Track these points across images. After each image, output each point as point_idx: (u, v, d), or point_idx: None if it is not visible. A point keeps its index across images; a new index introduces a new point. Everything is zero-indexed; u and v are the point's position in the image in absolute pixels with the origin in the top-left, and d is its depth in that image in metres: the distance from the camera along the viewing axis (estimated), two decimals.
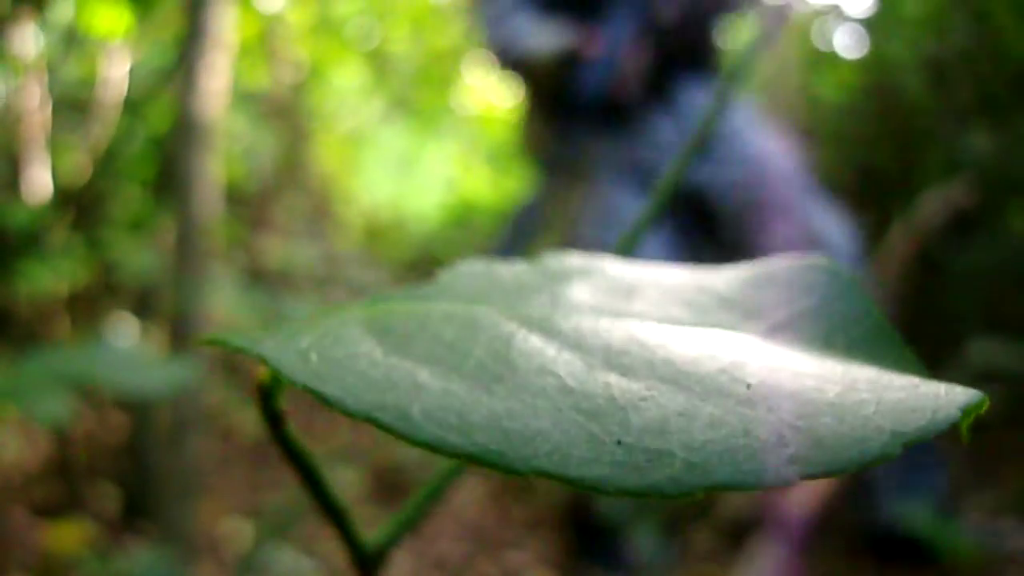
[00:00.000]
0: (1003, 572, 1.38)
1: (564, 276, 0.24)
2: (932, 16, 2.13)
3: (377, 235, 3.31)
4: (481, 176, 3.52)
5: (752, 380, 0.17)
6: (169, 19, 1.65)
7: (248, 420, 2.05)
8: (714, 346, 0.19)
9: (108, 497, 1.52)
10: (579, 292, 0.23)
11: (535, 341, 0.18)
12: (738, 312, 0.21)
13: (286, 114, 2.72)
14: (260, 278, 2.32)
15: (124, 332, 1.43)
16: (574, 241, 1.42)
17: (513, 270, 0.24)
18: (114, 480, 1.54)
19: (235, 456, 1.91)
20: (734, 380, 0.17)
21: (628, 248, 0.40)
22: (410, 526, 0.27)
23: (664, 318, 0.21)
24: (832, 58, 2.45)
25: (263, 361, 0.17)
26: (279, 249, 2.51)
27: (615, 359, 0.18)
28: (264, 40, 2.58)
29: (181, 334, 1.27)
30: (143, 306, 1.64)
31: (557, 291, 0.23)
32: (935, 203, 1.73)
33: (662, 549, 1.39)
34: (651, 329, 0.20)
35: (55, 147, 1.56)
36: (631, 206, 1.39)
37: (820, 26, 2.46)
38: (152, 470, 1.38)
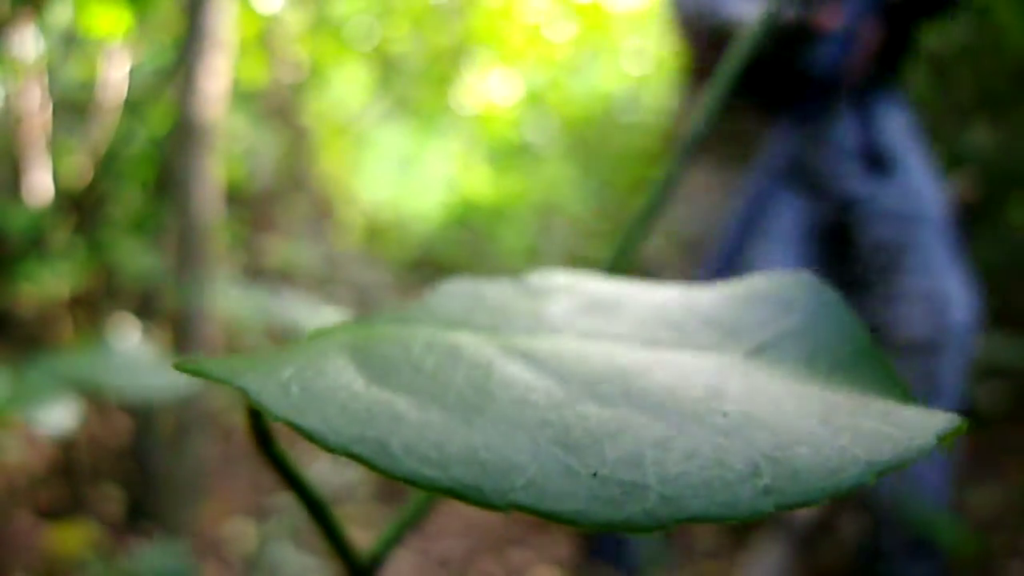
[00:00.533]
0: (1005, 568, 1.38)
1: (548, 294, 0.24)
2: None
3: (378, 235, 3.31)
4: (481, 176, 3.52)
5: (729, 408, 0.17)
6: (169, 20, 1.65)
7: None
8: (693, 372, 0.19)
9: (112, 499, 1.52)
10: (562, 312, 0.23)
11: (515, 369, 0.19)
12: (721, 332, 0.21)
13: (286, 114, 2.72)
14: (261, 278, 2.32)
15: (127, 335, 1.43)
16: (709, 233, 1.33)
17: (498, 289, 0.25)
18: (118, 482, 1.54)
19: (238, 457, 1.91)
20: (711, 409, 0.17)
21: (630, 247, 0.40)
22: (401, 535, 0.27)
23: (646, 339, 0.21)
24: None
25: (243, 393, 0.17)
26: (280, 249, 2.51)
27: (593, 387, 0.18)
28: (264, 40, 2.58)
29: (183, 335, 1.27)
30: (145, 307, 1.64)
31: (540, 311, 0.23)
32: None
33: (664, 548, 1.39)
34: (631, 354, 0.20)
35: (56, 149, 1.56)
36: (787, 212, 1.27)
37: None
38: (155, 472, 1.38)
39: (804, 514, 1.34)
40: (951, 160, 1.92)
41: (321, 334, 0.21)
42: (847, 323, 0.21)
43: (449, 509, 1.75)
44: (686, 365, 0.19)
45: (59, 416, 0.68)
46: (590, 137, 3.14)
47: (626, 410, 0.17)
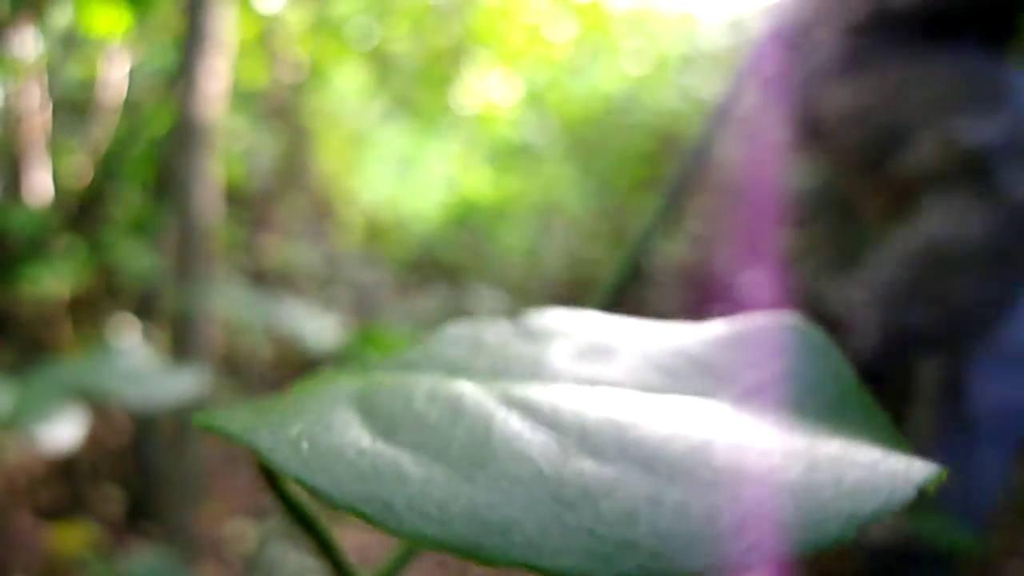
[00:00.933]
0: (1004, 568, 1.38)
1: (545, 337, 0.25)
2: None
3: (378, 235, 3.31)
4: (481, 176, 3.52)
5: (719, 461, 0.18)
6: (168, 20, 1.65)
7: None
8: (685, 422, 0.19)
9: (112, 499, 1.52)
10: (559, 357, 0.24)
11: (514, 422, 0.19)
12: (711, 377, 0.22)
13: (286, 114, 2.72)
14: (261, 278, 2.32)
15: (129, 338, 1.43)
16: None
17: (497, 332, 0.26)
18: (118, 482, 1.54)
19: (238, 457, 1.91)
20: (701, 462, 0.18)
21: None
22: (405, 562, 0.27)
23: (640, 385, 0.22)
24: None
25: (255, 451, 0.18)
26: (280, 249, 2.51)
27: (589, 440, 0.19)
28: (264, 40, 2.58)
29: (183, 336, 1.27)
30: (145, 308, 1.64)
31: (538, 356, 0.24)
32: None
33: None
34: (626, 403, 0.21)
35: (56, 149, 1.56)
36: None
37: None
38: (156, 472, 1.38)
39: None
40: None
41: (328, 380, 0.22)
42: (834, 365, 0.22)
43: None
44: (679, 414, 0.20)
45: (64, 430, 0.67)
46: (590, 137, 3.14)
47: (620, 464, 0.18)
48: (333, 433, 0.19)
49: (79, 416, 0.68)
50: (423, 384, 0.21)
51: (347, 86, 3.25)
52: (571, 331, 0.26)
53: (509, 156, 3.38)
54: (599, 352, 0.24)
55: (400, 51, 3.19)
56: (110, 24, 1.47)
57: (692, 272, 2.27)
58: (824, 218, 2.07)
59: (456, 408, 0.20)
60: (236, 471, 1.84)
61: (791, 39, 1.23)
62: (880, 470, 0.17)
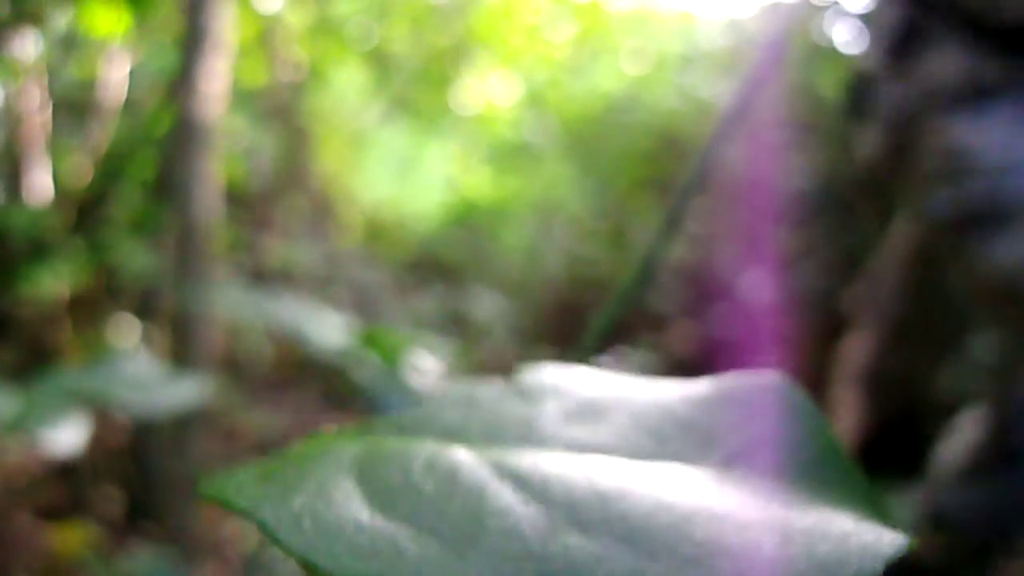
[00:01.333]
0: (1005, 568, 1.38)
1: (538, 398, 0.26)
2: None
3: (378, 235, 3.31)
4: (481, 176, 3.52)
5: (699, 535, 0.19)
6: (168, 21, 1.65)
7: (250, 421, 2.05)
8: (669, 492, 0.21)
9: (112, 499, 1.52)
10: (551, 419, 0.25)
11: (506, 496, 0.21)
12: (697, 440, 0.23)
13: (286, 114, 2.72)
14: (261, 278, 2.32)
15: (132, 343, 1.43)
16: None
17: (491, 394, 0.27)
18: (118, 482, 1.54)
19: (238, 457, 1.91)
20: (683, 537, 0.19)
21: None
22: None
23: (628, 449, 0.23)
24: (831, 54, 2.45)
25: (261, 528, 0.19)
26: (280, 249, 2.51)
27: (576, 514, 0.20)
28: (263, 40, 2.58)
29: (183, 336, 1.27)
30: (145, 308, 1.64)
31: (531, 418, 0.25)
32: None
33: None
34: (613, 472, 0.22)
35: (56, 149, 1.56)
36: None
37: (819, 22, 2.46)
38: (155, 472, 1.38)
39: None
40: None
41: (329, 443, 0.23)
42: (815, 427, 0.23)
43: None
44: (663, 484, 0.21)
45: (67, 435, 0.67)
46: (590, 137, 3.14)
47: (605, 539, 0.19)
48: (334, 507, 0.20)
49: (82, 421, 0.68)
50: (420, 452, 0.22)
51: (347, 86, 3.25)
52: (563, 390, 0.27)
53: (509, 156, 3.38)
54: (589, 413, 0.25)
55: (400, 51, 3.19)
56: (110, 24, 1.47)
57: (692, 272, 2.27)
58: (824, 218, 2.06)
59: (452, 479, 0.21)
60: None
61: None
62: (850, 544, 0.18)
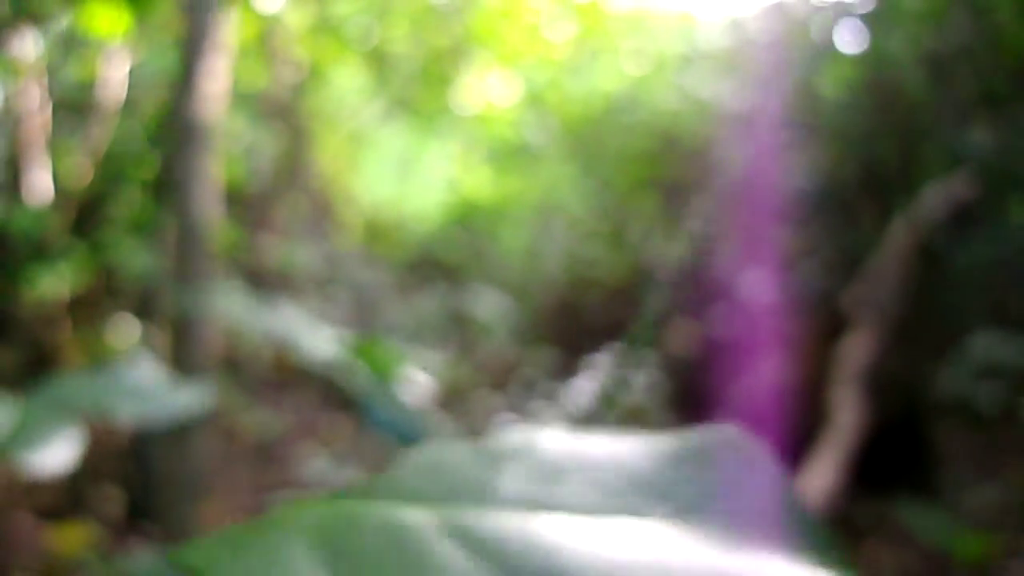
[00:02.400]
0: (1005, 568, 1.38)
1: (502, 461, 0.27)
2: (932, 11, 2.13)
3: (377, 235, 3.31)
4: (481, 176, 3.52)
5: None
6: (168, 21, 1.65)
7: (250, 421, 2.05)
8: (616, 547, 0.21)
9: (112, 499, 1.52)
10: (512, 482, 0.26)
11: (448, 552, 0.22)
12: (647, 494, 0.24)
13: (286, 115, 2.72)
14: (261, 278, 2.32)
15: (132, 349, 1.43)
16: None
17: (457, 457, 0.28)
18: (118, 482, 1.54)
19: (238, 457, 1.91)
20: None
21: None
22: None
23: (580, 507, 0.24)
24: (832, 54, 2.45)
25: None
26: (280, 249, 2.51)
27: (514, 567, 0.21)
28: (264, 41, 2.58)
29: (183, 336, 1.27)
30: (145, 308, 1.64)
31: (491, 481, 0.26)
32: (936, 197, 1.73)
33: None
34: (557, 528, 0.23)
35: (56, 149, 1.56)
36: None
37: (820, 22, 2.46)
38: (155, 472, 1.38)
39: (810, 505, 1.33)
40: (950, 160, 1.92)
41: (299, 508, 0.24)
42: (768, 477, 0.24)
43: None
44: (605, 538, 0.22)
45: (57, 455, 0.66)
46: (590, 137, 3.14)
47: None
48: (280, 569, 0.21)
49: (75, 437, 0.67)
50: (376, 514, 0.24)
51: (347, 86, 3.25)
52: (527, 452, 0.28)
53: (509, 156, 3.38)
54: (550, 474, 0.26)
55: (400, 51, 3.19)
56: (110, 25, 1.47)
57: (692, 272, 2.27)
58: (824, 218, 2.06)
59: (399, 539, 0.22)
60: (236, 471, 1.84)
61: None
62: None
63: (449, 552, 0.22)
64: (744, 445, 0.25)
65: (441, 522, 0.23)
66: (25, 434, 0.65)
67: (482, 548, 0.22)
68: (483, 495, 0.25)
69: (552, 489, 0.25)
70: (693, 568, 0.20)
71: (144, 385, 0.74)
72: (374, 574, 0.21)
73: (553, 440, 0.29)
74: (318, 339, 0.75)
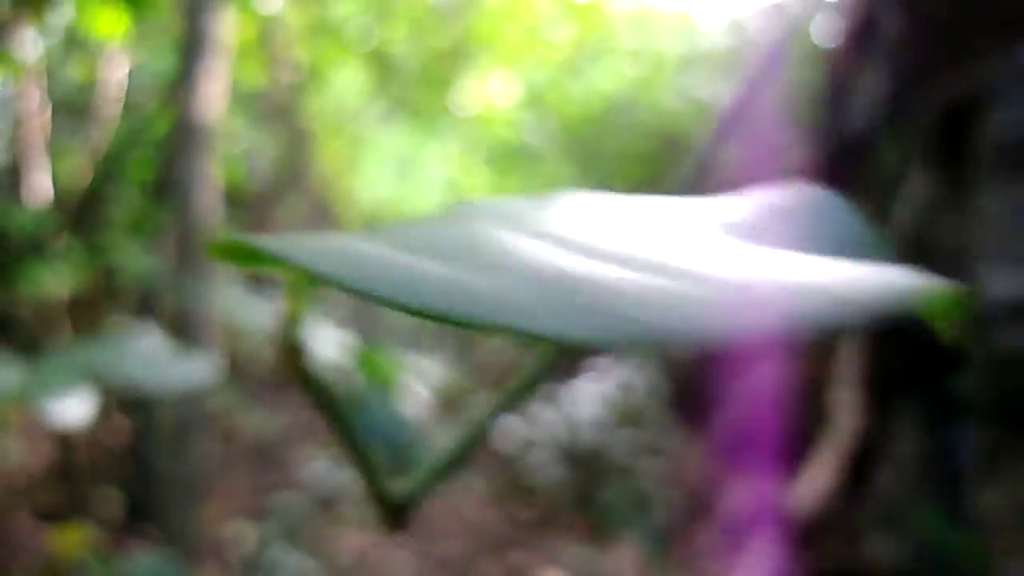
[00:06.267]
0: (1006, 568, 1.38)
1: (564, 207, 0.25)
2: None
3: None
4: (480, 177, 3.52)
5: (744, 269, 0.18)
6: (168, 22, 1.65)
7: (250, 422, 2.05)
8: (702, 247, 0.19)
9: (111, 501, 1.52)
10: (578, 219, 0.23)
11: (536, 243, 0.19)
12: (742, 234, 0.22)
13: (285, 115, 2.73)
14: (261, 279, 2.32)
15: (141, 330, 1.43)
16: None
17: (514, 203, 0.25)
18: (117, 484, 1.54)
19: (238, 458, 1.91)
20: (729, 267, 0.18)
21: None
22: (438, 478, 0.27)
23: (661, 238, 0.21)
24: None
25: (276, 259, 0.18)
26: None
27: (614, 255, 0.18)
28: (263, 41, 2.58)
29: (183, 337, 1.27)
30: (144, 309, 1.64)
31: (558, 219, 0.23)
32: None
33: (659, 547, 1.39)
34: (642, 235, 0.20)
35: (55, 151, 1.56)
36: None
37: (817, 22, 2.46)
38: (155, 473, 1.38)
39: (805, 512, 1.33)
40: None
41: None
42: (866, 231, 0.22)
43: (449, 511, 1.74)
44: (703, 244, 0.20)
45: (75, 408, 0.67)
46: (589, 137, 3.14)
47: (645, 273, 0.17)
48: (344, 241, 0.19)
49: (88, 395, 0.68)
50: (430, 224, 0.21)
51: (346, 87, 3.25)
52: (589, 202, 0.25)
53: (508, 156, 3.38)
54: (626, 219, 0.24)
55: (400, 52, 3.19)
56: (110, 26, 1.47)
57: None
58: None
59: (475, 235, 0.20)
60: (235, 472, 1.84)
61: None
62: (895, 276, 0.17)
63: (537, 243, 0.19)
64: (837, 199, 0.23)
65: (524, 230, 0.21)
66: (40, 386, 0.66)
67: (571, 242, 0.19)
68: (546, 223, 0.22)
69: (636, 232, 0.22)
70: (801, 263, 0.18)
71: (152, 354, 0.74)
72: (460, 253, 0.18)
73: (614, 199, 0.26)
74: (323, 341, 0.75)
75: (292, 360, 0.23)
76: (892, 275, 0.18)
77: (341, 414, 0.25)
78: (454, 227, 0.21)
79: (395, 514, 0.26)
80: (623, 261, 0.18)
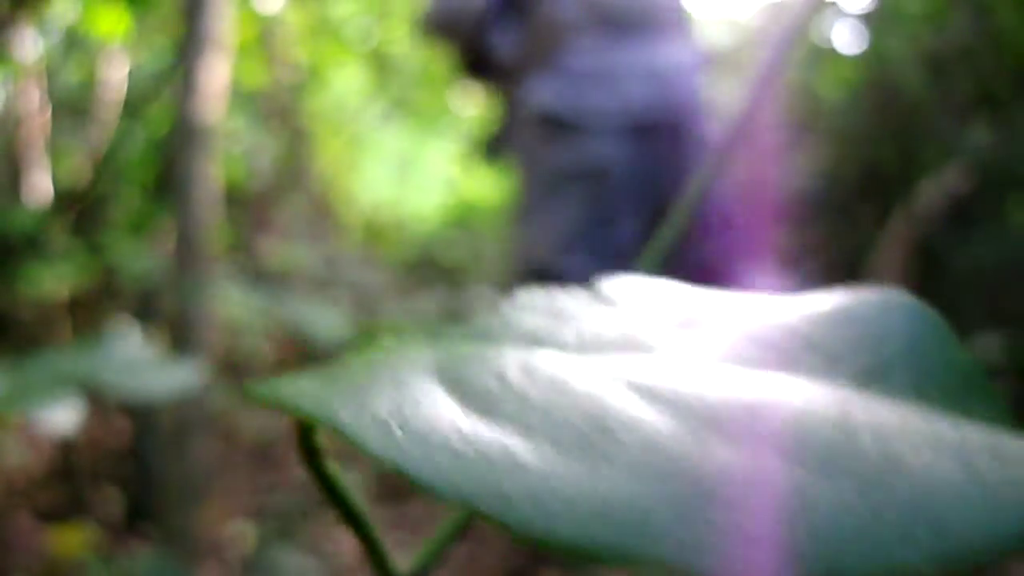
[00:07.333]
0: (1005, 568, 1.38)
1: (630, 307, 0.22)
2: (932, 11, 2.13)
3: (377, 236, 3.31)
4: (481, 176, 3.52)
5: (872, 454, 0.15)
6: (168, 22, 1.65)
7: (250, 422, 2.04)
8: (814, 404, 0.17)
9: (111, 501, 1.52)
10: (651, 328, 0.21)
11: (632, 403, 0.17)
12: (821, 356, 0.19)
13: (285, 115, 2.72)
14: (260, 279, 2.32)
15: (128, 335, 1.43)
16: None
17: (575, 301, 0.23)
18: (117, 484, 1.54)
19: (238, 458, 1.91)
20: (854, 454, 0.15)
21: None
22: (443, 550, 0.26)
23: (747, 360, 0.19)
24: (831, 54, 2.45)
25: (340, 433, 0.16)
26: (279, 250, 2.51)
27: (718, 425, 0.16)
28: (263, 41, 2.58)
29: (183, 337, 1.27)
30: (144, 309, 1.64)
31: (630, 326, 0.21)
32: (933, 191, 1.73)
33: None
34: (746, 381, 0.18)
35: (55, 150, 1.56)
36: None
37: (819, 22, 2.46)
38: (155, 473, 1.38)
39: None
40: (950, 161, 1.92)
41: (394, 349, 0.20)
42: (952, 348, 0.19)
43: (449, 511, 1.74)
44: (803, 394, 0.17)
45: (63, 416, 0.67)
46: None
47: (760, 453, 0.15)
48: (424, 411, 0.16)
49: (76, 403, 0.68)
50: (512, 358, 0.18)
51: (346, 87, 3.25)
52: (656, 300, 0.23)
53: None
54: (693, 323, 0.21)
55: (399, 52, 3.19)
56: (110, 25, 1.47)
57: (692, 272, 2.27)
58: (824, 218, 2.07)
59: (560, 385, 0.17)
60: (235, 472, 1.84)
61: None
62: None
63: (634, 405, 0.17)
64: (920, 309, 0.21)
65: (603, 370, 0.18)
66: (26, 393, 0.65)
67: (673, 402, 0.17)
68: (626, 342, 0.20)
69: (705, 342, 0.20)
70: (923, 437, 0.16)
71: (136, 360, 0.73)
72: (550, 428, 0.16)
73: (679, 288, 0.24)
74: (329, 320, 0.75)
75: (313, 465, 0.22)
76: None
77: (358, 513, 0.23)
78: (540, 374, 0.18)
79: None
80: (751, 436, 0.16)
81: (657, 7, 1.47)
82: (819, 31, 2.46)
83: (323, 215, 2.94)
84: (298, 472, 1.80)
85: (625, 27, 1.41)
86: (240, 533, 1.53)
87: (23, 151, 1.46)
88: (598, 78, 1.38)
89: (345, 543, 1.61)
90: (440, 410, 0.16)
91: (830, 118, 2.36)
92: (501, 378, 0.17)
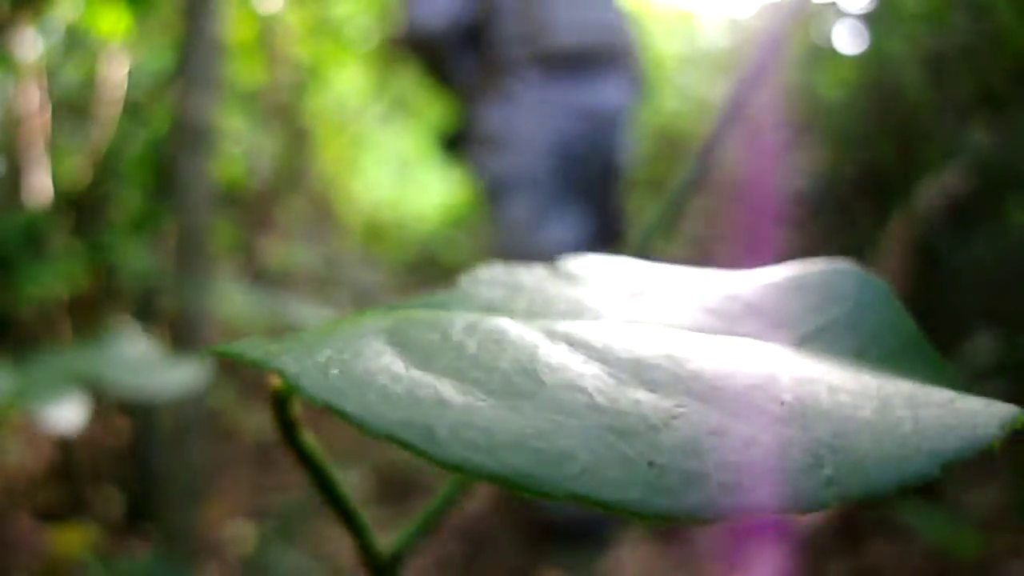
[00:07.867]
0: (1005, 568, 1.38)
1: (584, 280, 0.23)
2: (932, 11, 2.13)
3: (377, 236, 3.31)
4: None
5: (786, 397, 0.16)
6: (168, 21, 1.65)
7: (250, 421, 2.04)
8: (745, 358, 0.18)
9: (111, 500, 1.52)
10: (602, 297, 0.22)
11: (561, 353, 0.18)
12: (766, 320, 0.20)
13: (285, 115, 2.72)
14: (261, 279, 2.32)
15: (129, 335, 1.43)
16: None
17: (534, 275, 0.24)
18: (117, 483, 1.54)
19: (238, 458, 1.91)
20: (768, 397, 0.16)
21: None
22: (426, 532, 0.27)
23: (692, 326, 0.20)
24: (831, 54, 2.45)
25: (281, 375, 0.17)
26: (279, 250, 2.51)
27: (644, 373, 0.17)
28: (263, 41, 2.57)
29: (183, 337, 1.27)
30: (144, 309, 1.64)
31: (579, 296, 0.22)
32: (933, 191, 1.73)
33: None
34: (679, 339, 0.19)
35: (55, 150, 1.56)
36: None
37: (819, 22, 2.46)
38: (155, 473, 1.38)
39: (814, 519, 1.33)
40: (950, 161, 1.92)
41: (352, 319, 0.20)
42: (895, 314, 0.21)
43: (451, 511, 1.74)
44: (737, 352, 0.18)
45: (66, 414, 0.67)
46: None
47: (680, 397, 0.16)
48: (364, 360, 0.17)
49: (80, 400, 0.68)
50: (458, 319, 0.19)
51: (346, 87, 3.25)
52: (612, 274, 0.24)
53: None
54: (644, 294, 0.22)
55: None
56: (110, 25, 1.47)
57: None
58: (824, 218, 2.07)
59: (498, 339, 0.18)
60: (235, 472, 1.84)
61: None
62: (958, 409, 0.16)
63: (562, 355, 0.17)
64: (865, 277, 0.22)
65: (542, 329, 0.19)
66: (32, 391, 0.66)
67: (602, 354, 0.18)
68: (575, 310, 0.21)
69: (650, 308, 0.21)
70: (844, 384, 0.17)
71: (138, 359, 0.74)
72: (480, 373, 0.16)
73: (638, 265, 0.25)
74: (325, 318, 0.75)
75: (288, 435, 0.22)
76: (967, 406, 0.16)
77: (333, 484, 0.23)
78: (481, 330, 0.19)
79: (384, 572, 0.26)
80: (675, 384, 0.17)
81: (600, 48, 1.63)
82: (819, 31, 2.46)
83: (323, 215, 2.94)
84: (298, 472, 1.80)
85: (566, 67, 1.60)
86: (240, 533, 1.53)
87: (23, 151, 1.46)
88: (535, 110, 1.59)
89: (345, 543, 1.61)
90: (379, 359, 0.17)
91: (830, 118, 2.36)
92: (444, 335, 0.18)
